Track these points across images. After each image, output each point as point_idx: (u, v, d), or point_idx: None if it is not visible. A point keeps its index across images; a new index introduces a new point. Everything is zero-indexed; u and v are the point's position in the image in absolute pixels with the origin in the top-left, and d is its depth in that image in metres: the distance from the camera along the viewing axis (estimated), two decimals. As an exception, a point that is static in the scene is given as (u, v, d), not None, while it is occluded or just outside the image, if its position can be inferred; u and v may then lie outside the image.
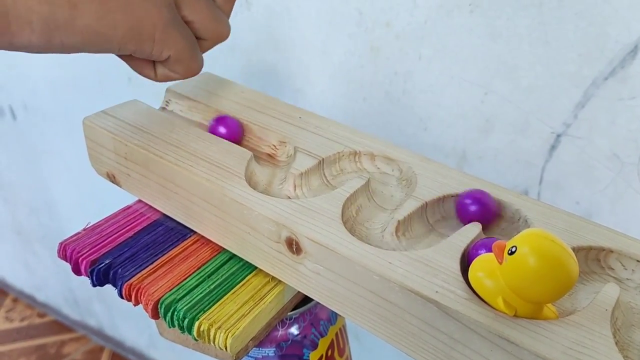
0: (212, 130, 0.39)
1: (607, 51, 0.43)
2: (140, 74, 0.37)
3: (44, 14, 0.29)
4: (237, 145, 0.37)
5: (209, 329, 0.32)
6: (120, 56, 0.36)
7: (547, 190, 0.50)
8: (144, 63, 0.36)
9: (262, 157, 0.39)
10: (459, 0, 0.47)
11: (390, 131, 0.57)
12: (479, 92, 0.50)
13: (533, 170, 0.50)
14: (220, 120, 0.39)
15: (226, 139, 0.38)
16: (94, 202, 1.07)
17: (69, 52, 0.31)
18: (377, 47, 0.54)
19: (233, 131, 0.39)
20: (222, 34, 0.37)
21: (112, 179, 0.41)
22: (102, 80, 0.83)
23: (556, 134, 0.47)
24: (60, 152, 1.06)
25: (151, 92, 0.47)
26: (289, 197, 0.35)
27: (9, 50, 0.30)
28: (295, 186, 0.36)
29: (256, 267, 0.35)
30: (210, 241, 0.37)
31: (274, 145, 0.39)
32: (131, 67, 0.37)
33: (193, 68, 0.36)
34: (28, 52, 0.30)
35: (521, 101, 0.48)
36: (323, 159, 0.37)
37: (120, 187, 0.40)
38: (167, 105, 0.43)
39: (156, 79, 0.37)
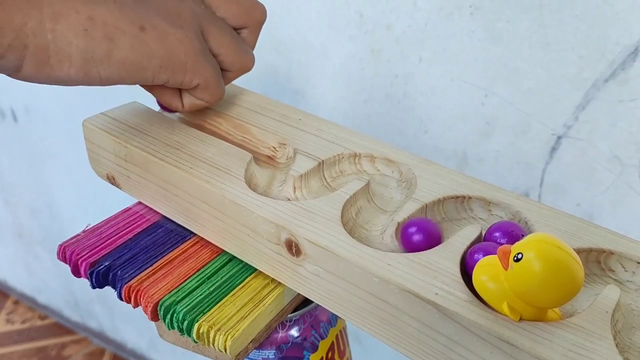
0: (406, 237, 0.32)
1: (608, 53, 0.42)
2: (167, 104, 0.38)
3: (82, 48, 0.30)
4: (237, 147, 0.37)
5: (208, 331, 0.32)
6: (147, 88, 0.37)
7: (548, 192, 0.50)
8: (172, 93, 0.37)
9: (261, 159, 0.39)
10: (459, 2, 0.47)
11: (391, 133, 0.57)
12: (479, 95, 0.50)
13: (534, 172, 0.50)
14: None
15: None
16: (95, 204, 1.07)
17: (107, 84, 0.32)
18: (378, 50, 0.54)
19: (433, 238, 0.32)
20: (247, 67, 0.38)
21: (112, 181, 0.41)
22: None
23: (557, 136, 0.47)
24: (61, 155, 1.06)
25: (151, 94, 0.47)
26: (289, 199, 0.35)
27: (47, 83, 0.31)
28: (295, 188, 0.36)
29: (256, 269, 0.35)
30: (210, 243, 0.37)
31: (274, 147, 0.39)
32: (158, 97, 0.38)
33: (218, 95, 0.37)
34: (66, 85, 0.31)
35: (522, 103, 0.48)
36: (323, 161, 0.36)
37: (120, 189, 0.40)
38: (167, 107, 0.43)
39: (183, 109, 0.38)
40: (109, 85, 0.32)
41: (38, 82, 0.30)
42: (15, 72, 0.29)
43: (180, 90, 0.37)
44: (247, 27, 0.39)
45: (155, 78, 0.33)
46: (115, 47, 0.30)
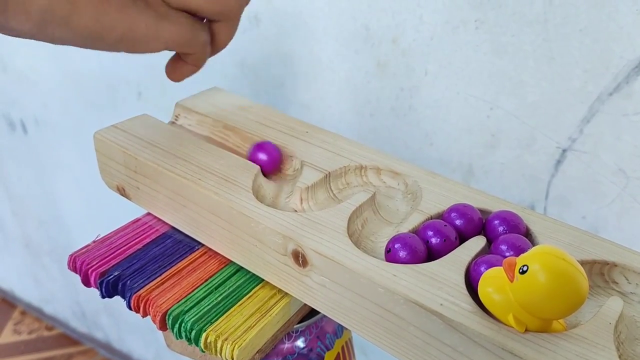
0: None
1: (612, 67, 0.43)
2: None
3: (42, 6, 0.28)
4: (245, 159, 0.38)
5: (215, 341, 0.32)
6: None
7: (553, 205, 0.50)
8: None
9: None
10: (465, 16, 0.48)
11: (397, 146, 0.57)
12: (484, 108, 0.50)
13: (539, 185, 0.50)
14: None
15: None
16: (102, 216, 1.08)
17: (58, 44, 0.31)
18: (384, 63, 0.54)
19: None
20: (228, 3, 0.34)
21: (122, 192, 0.41)
22: (112, 96, 0.85)
23: (562, 149, 0.47)
24: (70, 167, 1.07)
25: (161, 106, 0.48)
26: (296, 211, 0.36)
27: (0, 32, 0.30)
28: (301, 199, 0.36)
29: (263, 280, 0.36)
30: (218, 254, 0.37)
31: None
32: None
33: (224, 42, 0.36)
34: (18, 37, 0.30)
35: (527, 116, 0.48)
36: (329, 173, 0.37)
37: (130, 200, 0.41)
38: (176, 119, 0.44)
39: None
40: (62, 44, 0.31)
41: None
42: None
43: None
44: (221, 20, 0.35)
45: (110, 49, 0.32)
46: (76, 12, 0.29)
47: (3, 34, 0.30)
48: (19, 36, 0.30)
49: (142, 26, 0.32)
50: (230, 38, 0.36)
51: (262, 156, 0.38)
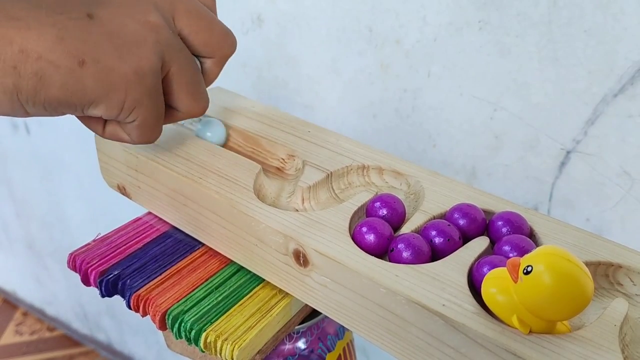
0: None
1: (617, 68, 0.43)
2: (85, 123, 0.34)
3: (9, 88, 0.27)
4: (246, 159, 0.38)
5: (215, 341, 0.32)
6: None
7: (557, 207, 0.50)
8: (94, 119, 0.33)
9: (270, 171, 0.39)
10: (468, 17, 0.48)
11: (400, 148, 0.57)
12: (488, 109, 0.50)
13: (543, 187, 0.50)
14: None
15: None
16: (105, 217, 1.08)
17: (35, 116, 0.30)
18: (387, 65, 0.54)
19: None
20: (196, 113, 0.35)
21: (123, 191, 0.41)
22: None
23: (566, 151, 0.47)
24: (73, 167, 1.07)
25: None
26: (297, 210, 0.35)
27: None
28: (303, 199, 0.36)
29: (264, 280, 0.35)
30: (218, 253, 0.37)
31: (283, 159, 0.39)
32: (79, 119, 0.34)
33: (149, 137, 0.33)
34: None
35: (531, 118, 0.48)
36: (331, 173, 0.37)
37: (131, 199, 0.41)
38: (178, 119, 0.44)
39: (103, 135, 0.34)
40: (39, 116, 0.30)
41: None
42: None
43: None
44: (214, 57, 0.35)
45: (85, 112, 0.30)
46: (44, 86, 0.27)
47: None
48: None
49: (121, 93, 0.30)
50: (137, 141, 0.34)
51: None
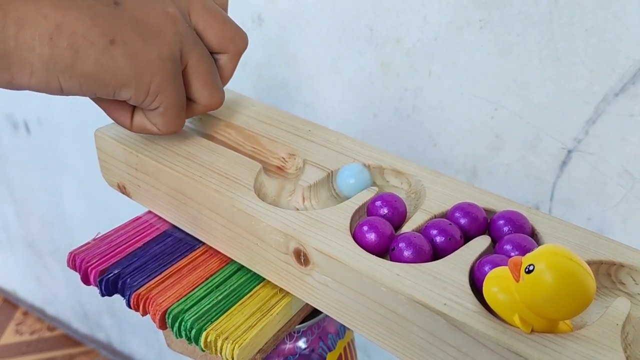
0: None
1: (618, 67, 0.42)
2: (114, 118, 0.36)
3: (45, 57, 0.28)
4: (247, 157, 0.37)
5: (216, 340, 0.32)
6: (96, 99, 0.35)
7: (558, 207, 0.50)
8: (123, 108, 0.35)
9: (271, 170, 0.39)
10: (469, 16, 0.47)
11: (401, 147, 0.57)
12: (489, 108, 0.50)
13: (544, 186, 0.50)
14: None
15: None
16: (105, 216, 1.08)
17: (67, 95, 0.31)
18: (388, 64, 0.54)
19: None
20: (214, 105, 0.37)
21: (123, 190, 0.41)
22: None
23: (567, 150, 0.47)
24: (73, 167, 1.07)
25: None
26: (298, 209, 0.35)
27: (7, 88, 0.30)
28: (304, 198, 0.36)
29: (264, 279, 0.35)
30: (219, 252, 0.37)
31: (283, 158, 0.39)
32: (106, 112, 0.36)
33: (173, 127, 0.35)
34: (27, 90, 0.30)
35: (532, 117, 0.48)
36: (332, 172, 0.37)
37: (131, 198, 0.41)
38: (178, 118, 0.44)
39: (131, 128, 0.36)
40: (71, 95, 0.31)
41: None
42: None
43: (134, 107, 0.35)
44: (227, 53, 0.36)
45: (116, 94, 0.32)
46: (79, 60, 0.29)
47: (13, 89, 0.30)
48: (30, 90, 0.30)
49: (148, 76, 0.32)
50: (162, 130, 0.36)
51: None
